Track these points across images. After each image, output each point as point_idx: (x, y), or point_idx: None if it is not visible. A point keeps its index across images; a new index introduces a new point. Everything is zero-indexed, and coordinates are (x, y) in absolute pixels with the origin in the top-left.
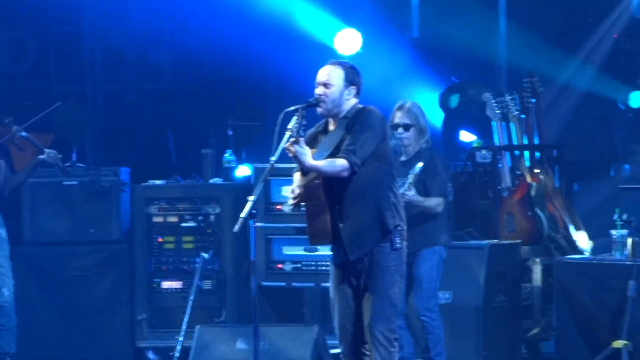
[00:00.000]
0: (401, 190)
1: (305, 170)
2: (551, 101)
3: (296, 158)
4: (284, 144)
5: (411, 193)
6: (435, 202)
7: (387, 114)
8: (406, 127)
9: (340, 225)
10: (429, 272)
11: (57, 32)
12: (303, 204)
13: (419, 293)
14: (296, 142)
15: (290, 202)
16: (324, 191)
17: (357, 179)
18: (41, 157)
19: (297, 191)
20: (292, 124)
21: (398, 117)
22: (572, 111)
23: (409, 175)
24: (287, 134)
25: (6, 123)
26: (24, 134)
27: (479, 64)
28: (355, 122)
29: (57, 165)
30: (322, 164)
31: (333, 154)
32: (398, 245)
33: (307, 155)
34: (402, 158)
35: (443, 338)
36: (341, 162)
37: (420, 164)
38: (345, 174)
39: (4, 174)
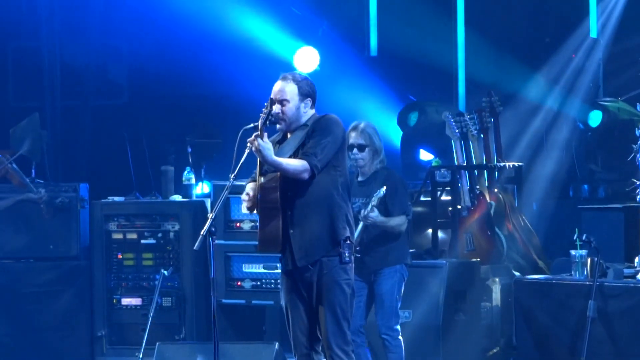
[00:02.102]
0: (363, 212)
1: (262, 171)
2: (510, 119)
3: (259, 152)
4: (243, 161)
5: (374, 214)
6: (398, 221)
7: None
8: (361, 148)
9: (291, 231)
10: (391, 291)
11: (14, 47)
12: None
13: (381, 311)
14: (260, 136)
15: (245, 205)
16: (279, 194)
17: (312, 185)
18: (32, 196)
19: (252, 193)
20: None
21: (352, 138)
22: (531, 130)
23: (372, 198)
24: (247, 151)
25: None
26: (14, 166)
27: (438, 83)
28: (315, 128)
29: (43, 206)
30: (284, 161)
31: (291, 158)
32: (347, 259)
33: (270, 149)
34: (360, 178)
35: (404, 357)
36: (302, 163)
37: (383, 189)
38: (306, 175)
39: None
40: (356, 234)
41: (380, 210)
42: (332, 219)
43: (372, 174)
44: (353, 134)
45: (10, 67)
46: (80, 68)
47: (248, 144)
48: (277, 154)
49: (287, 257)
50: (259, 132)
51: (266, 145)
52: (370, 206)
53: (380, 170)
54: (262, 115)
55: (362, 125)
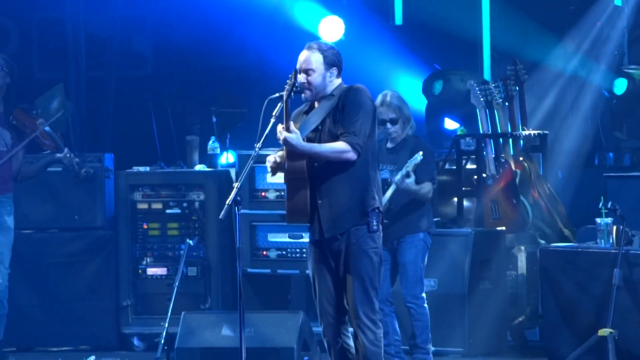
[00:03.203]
0: (397, 177)
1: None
2: (535, 87)
3: (287, 144)
4: (268, 130)
5: (410, 180)
6: (427, 189)
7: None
8: (393, 122)
9: (319, 201)
10: (414, 260)
11: (39, 19)
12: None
13: (405, 280)
14: (286, 128)
15: (270, 164)
16: (307, 164)
17: None
18: (59, 155)
19: (278, 160)
20: (277, 110)
21: (383, 113)
22: (555, 98)
23: (409, 163)
24: (272, 120)
25: (33, 115)
26: (47, 129)
27: (463, 51)
28: (345, 102)
29: (72, 166)
30: (319, 147)
31: (317, 130)
32: (375, 228)
33: (298, 138)
34: (388, 145)
35: (429, 325)
36: (343, 146)
37: (420, 154)
38: (350, 155)
39: (20, 165)
40: (384, 200)
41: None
42: (362, 190)
43: (401, 141)
44: (382, 109)
45: (35, 39)
46: (105, 39)
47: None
48: (303, 125)
49: (314, 227)
50: (283, 122)
51: (292, 135)
52: (405, 171)
53: (409, 138)
54: (286, 87)
55: (388, 98)
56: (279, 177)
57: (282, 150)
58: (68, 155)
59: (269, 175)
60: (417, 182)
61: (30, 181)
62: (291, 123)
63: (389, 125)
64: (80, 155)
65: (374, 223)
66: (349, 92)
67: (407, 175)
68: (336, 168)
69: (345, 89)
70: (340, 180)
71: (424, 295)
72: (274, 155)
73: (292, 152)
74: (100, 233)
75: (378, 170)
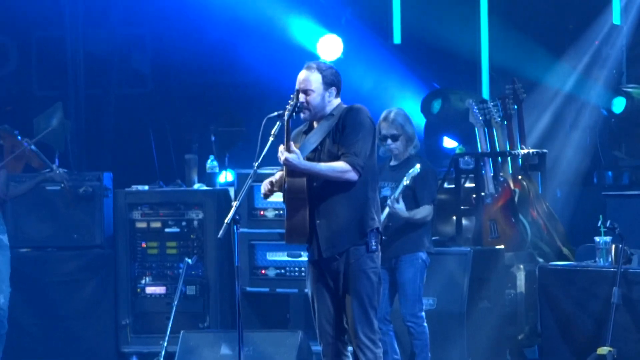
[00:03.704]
0: (390, 199)
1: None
2: (533, 106)
3: (288, 163)
4: (267, 149)
5: (399, 206)
6: (425, 212)
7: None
8: (394, 138)
9: (317, 221)
10: (413, 278)
11: (38, 37)
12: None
13: (404, 299)
14: (287, 149)
15: (264, 187)
16: (307, 184)
17: None
18: (49, 173)
19: (274, 184)
20: (275, 129)
21: (384, 129)
22: (554, 117)
23: (404, 178)
24: (271, 139)
25: (15, 134)
26: (34, 148)
27: (462, 70)
28: (345, 122)
29: (63, 184)
30: (320, 166)
31: (317, 150)
32: (374, 247)
33: (299, 158)
34: (392, 163)
35: (429, 344)
36: (344, 166)
37: (417, 166)
38: (351, 176)
39: (4, 184)
40: (382, 218)
41: (408, 197)
42: (360, 210)
43: (405, 159)
44: (384, 125)
45: (34, 57)
46: (104, 57)
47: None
48: (303, 145)
49: (313, 247)
50: (285, 143)
51: (293, 155)
52: (397, 192)
53: (413, 157)
54: (288, 107)
55: (392, 114)
56: (278, 196)
57: (280, 171)
58: (58, 172)
59: (262, 188)
60: (417, 201)
61: (30, 200)
62: (292, 143)
63: (389, 141)
64: (78, 174)
65: (373, 243)
66: (349, 112)
67: (397, 201)
68: (335, 188)
69: (345, 109)
70: (339, 201)
71: (422, 314)
72: (268, 180)
73: (293, 171)
74: (99, 252)
75: (378, 190)
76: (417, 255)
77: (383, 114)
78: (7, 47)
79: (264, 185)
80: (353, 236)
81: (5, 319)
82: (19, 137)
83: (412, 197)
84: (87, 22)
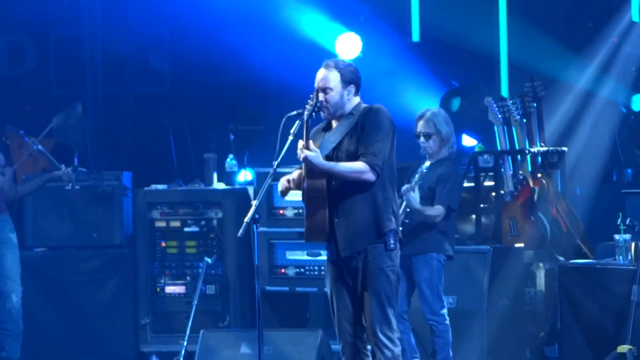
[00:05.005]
0: (403, 187)
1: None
2: (552, 103)
3: (307, 162)
4: (286, 148)
5: (413, 194)
6: (436, 212)
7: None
8: (427, 136)
9: (336, 220)
10: (430, 277)
11: (56, 36)
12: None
13: (423, 299)
14: (306, 147)
15: (281, 184)
16: (327, 183)
17: None
18: (57, 172)
19: (291, 182)
20: (295, 128)
21: (419, 126)
22: (573, 114)
23: (415, 174)
24: (290, 138)
25: (21, 135)
26: (40, 148)
27: (480, 68)
28: (365, 122)
29: (71, 184)
30: (339, 166)
31: (336, 149)
32: (392, 246)
33: (318, 157)
34: (426, 163)
35: (450, 342)
36: (362, 166)
37: (426, 164)
38: (369, 176)
39: (10, 184)
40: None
41: (428, 197)
42: (378, 210)
43: (438, 160)
44: (420, 123)
45: (52, 56)
46: (122, 56)
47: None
48: (322, 144)
49: (332, 246)
50: (304, 140)
51: (313, 154)
52: (414, 182)
53: (446, 159)
54: (307, 106)
55: (428, 113)
56: (297, 195)
57: (298, 169)
58: (66, 171)
59: (279, 185)
60: (432, 201)
61: (50, 200)
62: (310, 142)
63: (422, 139)
64: (98, 173)
65: (391, 242)
66: (369, 112)
67: (412, 189)
68: (353, 188)
69: (365, 109)
70: (357, 200)
71: (444, 311)
72: (285, 178)
73: (312, 170)
74: (119, 251)
75: (396, 191)
76: (431, 255)
77: (419, 113)
78: (25, 46)
79: (281, 183)
80: (371, 235)
81: (20, 318)
82: (26, 138)
83: (431, 199)
84: (105, 21)
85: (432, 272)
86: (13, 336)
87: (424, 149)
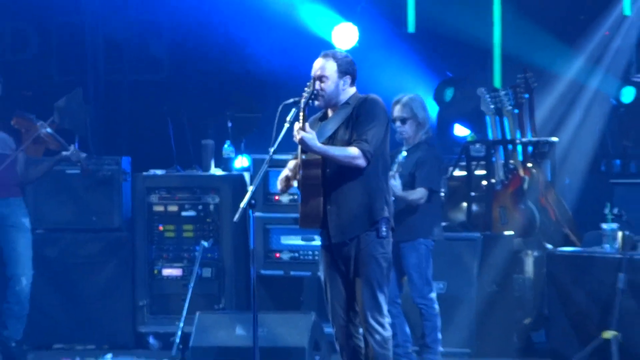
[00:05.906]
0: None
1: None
2: (544, 95)
3: (303, 143)
4: (282, 135)
5: (395, 182)
6: (418, 195)
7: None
8: (403, 121)
9: (328, 207)
10: (418, 263)
11: (58, 22)
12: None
13: (412, 284)
14: (302, 121)
15: (280, 185)
16: (322, 169)
17: None
18: (65, 153)
19: (290, 173)
20: (291, 116)
21: (396, 111)
22: (565, 105)
23: (394, 165)
24: (286, 125)
25: (30, 118)
26: (49, 130)
27: (474, 59)
28: (360, 111)
29: (80, 163)
30: (333, 149)
31: (331, 137)
32: (384, 234)
33: (314, 139)
34: (403, 148)
35: (439, 326)
36: (354, 152)
37: (403, 153)
38: (360, 162)
39: (23, 167)
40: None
41: (411, 183)
42: (371, 199)
43: (414, 145)
44: (397, 107)
45: (54, 43)
46: (122, 43)
47: (294, 131)
48: (319, 132)
49: (325, 232)
50: (300, 123)
51: (309, 135)
52: (394, 169)
53: (422, 143)
54: (304, 94)
55: (405, 98)
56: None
57: (294, 158)
58: (75, 152)
59: (278, 182)
60: (414, 186)
61: (50, 183)
62: (307, 124)
63: (398, 123)
64: (98, 158)
65: (383, 229)
66: (364, 102)
67: (394, 178)
68: (347, 176)
69: (361, 99)
70: (351, 188)
71: (432, 295)
72: (284, 175)
73: (308, 161)
74: (117, 235)
75: (388, 180)
76: (419, 241)
77: (396, 98)
78: (27, 33)
79: (280, 182)
80: (363, 223)
81: (27, 301)
82: (34, 122)
83: (411, 184)
84: (106, 8)
85: (420, 258)
86: (18, 318)
87: (400, 133)
